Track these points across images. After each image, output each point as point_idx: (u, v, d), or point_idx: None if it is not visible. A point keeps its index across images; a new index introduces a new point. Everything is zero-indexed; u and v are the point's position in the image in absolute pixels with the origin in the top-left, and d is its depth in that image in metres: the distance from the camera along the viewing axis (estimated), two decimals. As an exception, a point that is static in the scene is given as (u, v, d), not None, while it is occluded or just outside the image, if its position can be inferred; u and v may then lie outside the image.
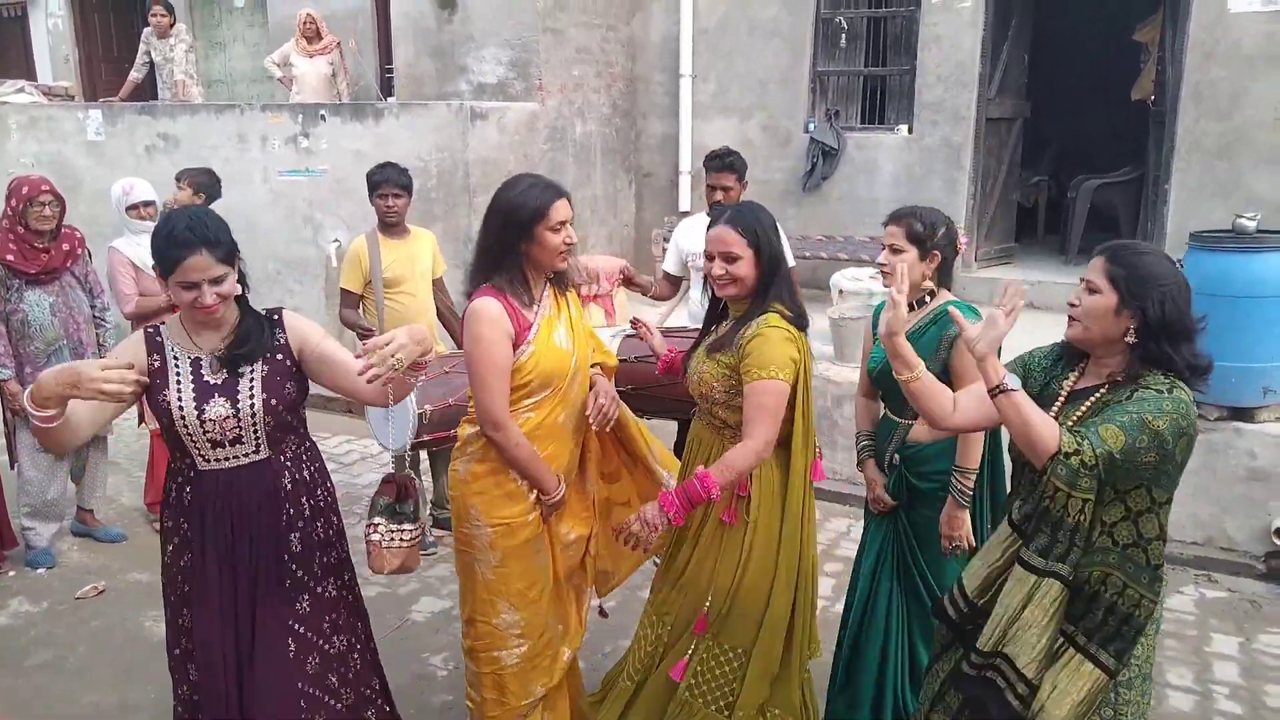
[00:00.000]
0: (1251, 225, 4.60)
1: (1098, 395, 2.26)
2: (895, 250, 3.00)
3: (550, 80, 7.29)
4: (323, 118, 7.03)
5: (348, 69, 8.49)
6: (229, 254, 2.43)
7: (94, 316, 4.82)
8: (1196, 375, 2.21)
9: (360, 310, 4.77)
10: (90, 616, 4.24)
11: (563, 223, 2.71)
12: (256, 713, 2.54)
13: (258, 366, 2.52)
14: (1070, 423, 2.26)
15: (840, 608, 4.26)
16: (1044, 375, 2.42)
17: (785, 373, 2.60)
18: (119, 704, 3.67)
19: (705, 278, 2.88)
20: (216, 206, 5.70)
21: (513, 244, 2.72)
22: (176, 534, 2.59)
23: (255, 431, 2.51)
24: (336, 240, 6.89)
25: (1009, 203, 8.35)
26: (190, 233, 2.37)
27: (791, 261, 4.67)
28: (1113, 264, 2.23)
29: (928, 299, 3.03)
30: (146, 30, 8.43)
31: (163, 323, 2.57)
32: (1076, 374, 2.34)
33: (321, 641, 2.64)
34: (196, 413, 2.45)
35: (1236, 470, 4.66)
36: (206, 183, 5.64)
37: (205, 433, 2.46)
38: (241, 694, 2.55)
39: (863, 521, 3.37)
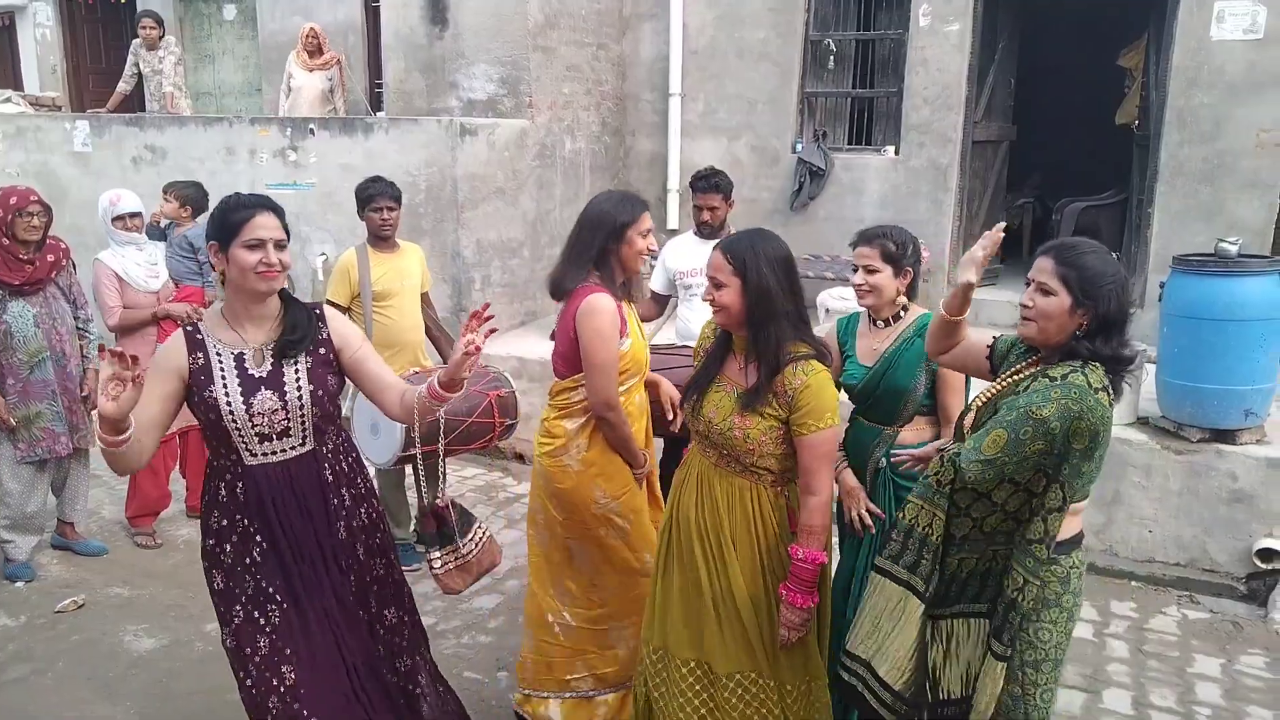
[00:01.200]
0: (1233, 249, 4.64)
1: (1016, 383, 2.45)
2: (870, 270, 3.09)
3: (540, 97, 7.31)
4: (311, 131, 7.03)
5: (346, 86, 8.51)
6: (286, 226, 2.54)
7: (77, 328, 4.79)
8: (1122, 364, 2.33)
9: None
10: (70, 631, 4.20)
11: (649, 230, 3.13)
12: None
13: (303, 358, 2.56)
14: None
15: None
16: (1007, 358, 2.59)
17: (836, 417, 2.59)
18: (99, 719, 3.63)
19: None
20: (204, 218, 5.70)
21: (606, 246, 3.09)
22: (234, 531, 2.56)
23: (303, 423, 2.56)
24: (323, 254, 6.88)
25: (995, 224, 8.41)
26: (256, 198, 2.53)
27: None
28: (1062, 265, 2.33)
29: (902, 314, 3.15)
30: (135, 42, 8.42)
31: (199, 319, 2.62)
32: (1028, 365, 2.50)
33: (367, 616, 2.73)
34: (244, 406, 2.48)
35: (1218, 492, 4.69)
36: (193, 195, 5.64)
37: (254, 426, 2.49)
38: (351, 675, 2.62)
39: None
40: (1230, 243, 4.68)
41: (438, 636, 4.19)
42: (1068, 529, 2.38)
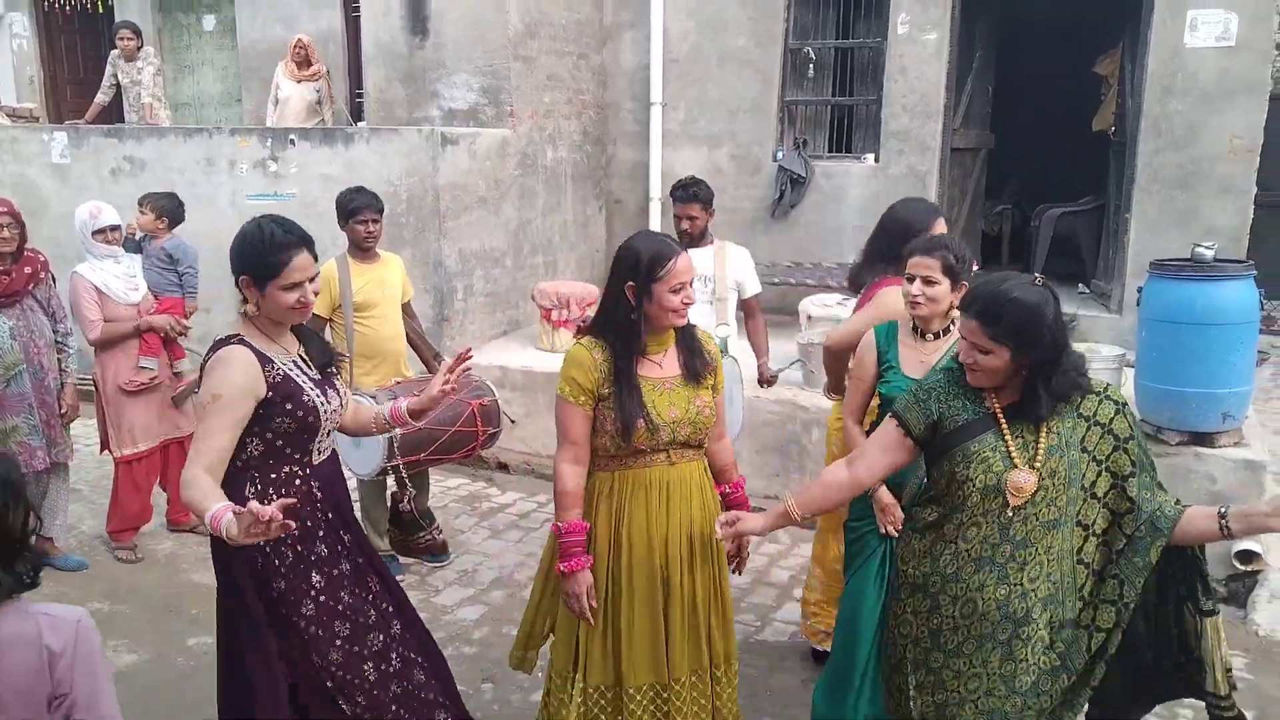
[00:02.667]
0: (1209, 254, 4.69)
1: (1047, 419, 2.38)
2: (928, 282, 2.99)
3: (521, 107, 7.32)
4: (292, 142, 7.01)
5: (334, 98, 8.48)
6: (315, 255, 2.63)
7: (56, 341, 4.75)
8: (1078, 384, 2.39)
9: (327, 335, 4.74)
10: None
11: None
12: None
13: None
14: (1036, 445, 2.36)
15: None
16: (947, 403, 2.46)
17: None
18: (77, 736, 3.59)
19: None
20: (180, 230, 5.67)
21: (899, 249, 3.30)
22: (288, 535, 2.49)
23: (338, 423, 2.77)
24: (305, 265, 6.86)
25: (974, 231, 8.49)
26: (290, 234, 2.54)
27: (759, 289, 4.74)
28: (990, 324, 2.30)
29: (951, 326, 3.06)
30: (113, 53, 8.37)
31: (183, 331, 2.83)
32: (990, 393, 2.43)
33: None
34: (326, 403, 2.64)
35: (1198, 494, 4.73)
36: (169, 207, 5.60)
37: (331, 424, 2.67)
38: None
39: (846, 551, 3.39)
40: (1206, 248, 4.72)
41: (422, 648, 4.18)
42: None
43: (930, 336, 3.08)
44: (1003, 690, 2.39)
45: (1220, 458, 4.69)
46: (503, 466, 6.29)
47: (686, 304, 2.69)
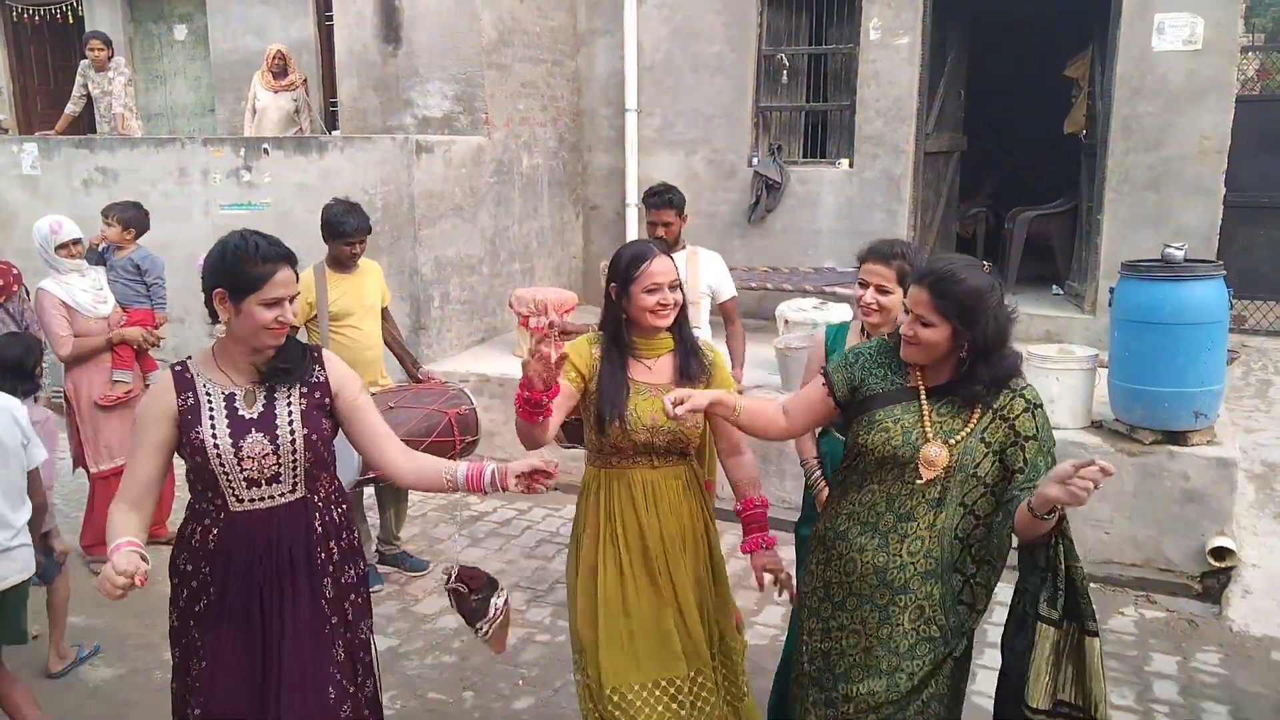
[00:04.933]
0: (1180, 255, 4.74)
1: (975, 401, 2.40)
2: (882, 290, 3.02)
3: (496, 114, 7.31)
4: (265, 151, 6.97)
5: (312, 106, 8.44)
6: (297, 273, 2.43)
7: None
8: (1010, 378, 2.41)
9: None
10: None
11: None
12: None
13: (295, 400, 2.44)
14: (956, 427, 2.41)
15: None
16: (870, 370, 2.55)
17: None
18: (52, 754, 3.55)
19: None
20: (148, 240, 5.62)
21: None
22: (195, 578, 2.44)
23: (294, 469, 2.43)
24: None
25: (948, 234, 8.54)
26: (273, 248, 2.36)
27: (734, 293, 4.76)
28: (938, 298, 2.34)
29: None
30: (83, 63, 8.30)
31: (188, 358, 2.47)
32: (916, 369, 2.48)
33: (353, 688, 2.56)
34: (233, 449, 2.34)
35: (1171, 493, 4.78)
36: (135, 217, 5.52)
37: (242, 470, 2.36)
38: None
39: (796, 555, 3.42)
40: (1176, 248, 4.78)
41: (401, 658, 4.16)
42: None
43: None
44: (879, 651, 2.46)
45: (1193, 456, 4.74)
46: (482, 474, 6.26)
47: (662, 305, 2.74)
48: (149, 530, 2.42)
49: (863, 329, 3.16)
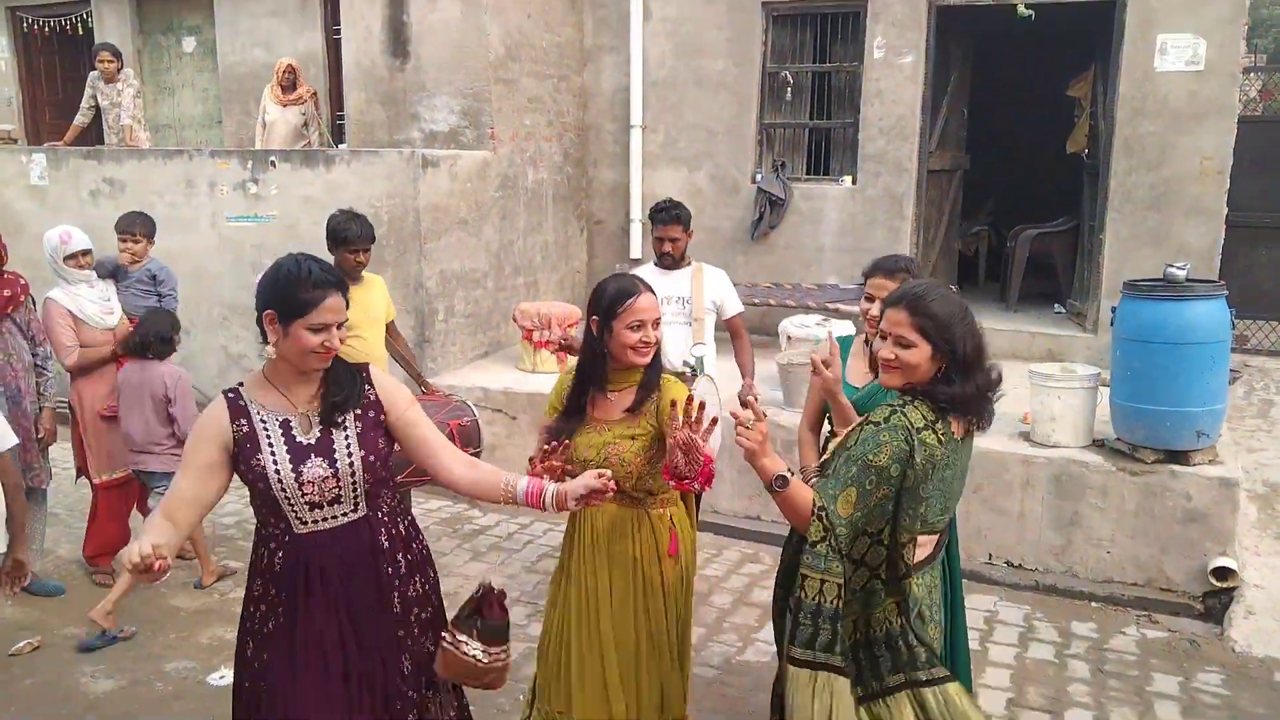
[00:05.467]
0: (1181, 274, 4.76)
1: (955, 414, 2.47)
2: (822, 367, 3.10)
3: (502, 129, 7.35)
4: (273, 164, 7.01)
5: (320, 120, 8.48)
6: (347, 299, 2.44)
7: (36, 365, 4.72)
8: (985, 396, 2.42)
9: None
10: (25, 673, 4.11)
11: None
12: None
13: (351, 422, 2.46)
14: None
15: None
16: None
17: None
18: (54, 764, 3.56)
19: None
20: (156, 250, 5.64)
21: None
22: (264, 600, 2.47)
23: (355, 490, 2.45)
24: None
25: (950, 251, 8.58)
26: (325, 274, 2.38)
27: (740, 308, 4.77)
28: (917, 316, 2.39)
29: None
30: (93, 74, 8.34)
31: (240, 384, 2.49)
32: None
33: (418, 697, 2.58)
34: (294, 475, 2.38)
35: (1173, 512, 4.78)
36: (152, 228, 5.53)
37: (304, 495, 2.39)
38: None
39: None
40: (1178, 268, 4.80)
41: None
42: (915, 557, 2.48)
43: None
44: None
45: (1195, 475, 4.75)
46: (484, 488, 6.27)
47: (645, 343, 2.74)
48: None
49: (866, 340, 3.27)
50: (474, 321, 7.21)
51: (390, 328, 4.94)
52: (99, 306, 4.88)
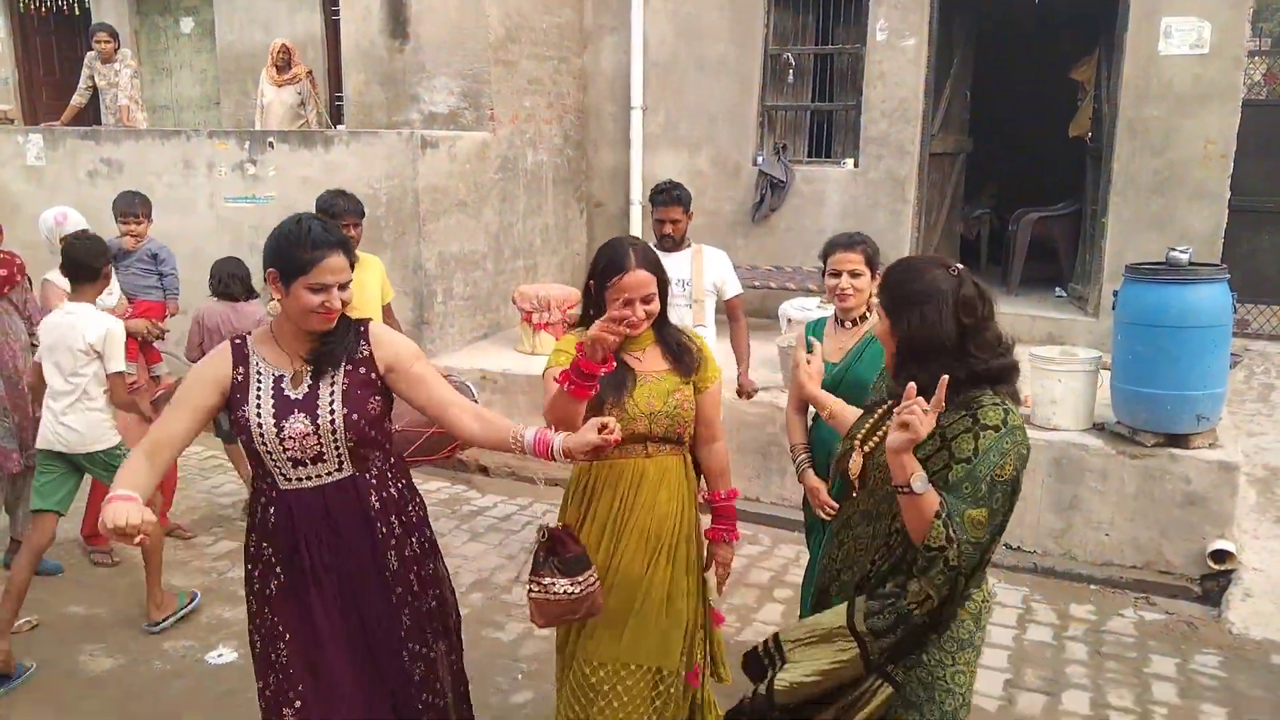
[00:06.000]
0: (1184, 258, 4.74)
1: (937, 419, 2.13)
2: (855, 274, 3.28)
3: (502, 110, 7.32)
4: (270, 145, 6.98)
5: (319, 98, 8.45)
6: (351, 260, 2.43)
7: (32, 345, 4.70)
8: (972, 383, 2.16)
9: None
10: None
11: None
12: None
13: (340, 378, 2.44)
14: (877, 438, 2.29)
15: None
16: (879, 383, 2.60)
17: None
18: (52, 742, 3.56)
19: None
20: (154, 231, 5.63)
21: None
22: (260, 559, 2.50)
23: (337, 449, 2.44)
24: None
25: (952, 235, 8.55)
26: (326, 234, 2.38)
27: (739, 290, 4.75)
28: (882, 290, 2.28)
29: (868, 313, 3.33)
30: (90, 55, 8.30)
31: (248, 334, 2.51)
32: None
33: (426, 650, 2.61)
34: (275, 429, 2.38)
35: (1173, 495, 4.78)
36: (151, 207, 5.52)
37: (285, 450, 2.39)
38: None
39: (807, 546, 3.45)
40: (1181, 251, 4.78)
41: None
42: None
43: (849, 324, 3.35)
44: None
45: (1195, 459, 4.74)
46: (483, 469, 6.28)
47: (632, 321, 2.65)
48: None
49: (837, 318, 3.39)
50: (473, 304, 7.19)
51: (386, 310, 4.93)
52: (97, 287, 4.86)
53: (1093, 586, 4.85)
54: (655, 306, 2.75)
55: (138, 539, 2.13)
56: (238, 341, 2.47)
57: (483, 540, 5.34)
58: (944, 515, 2.06)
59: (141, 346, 5.00)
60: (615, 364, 2.53)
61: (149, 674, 3.99)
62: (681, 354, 2.81)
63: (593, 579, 2.58)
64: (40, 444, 4.11)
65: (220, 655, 4.08)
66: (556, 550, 2.57)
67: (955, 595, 2.11)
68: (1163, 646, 4.29)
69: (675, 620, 2.78)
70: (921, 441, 2.06)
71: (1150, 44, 6.42)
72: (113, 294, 4.94)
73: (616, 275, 2.68)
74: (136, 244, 5.30)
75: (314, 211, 4.62)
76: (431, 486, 6.06)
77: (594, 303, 2.78)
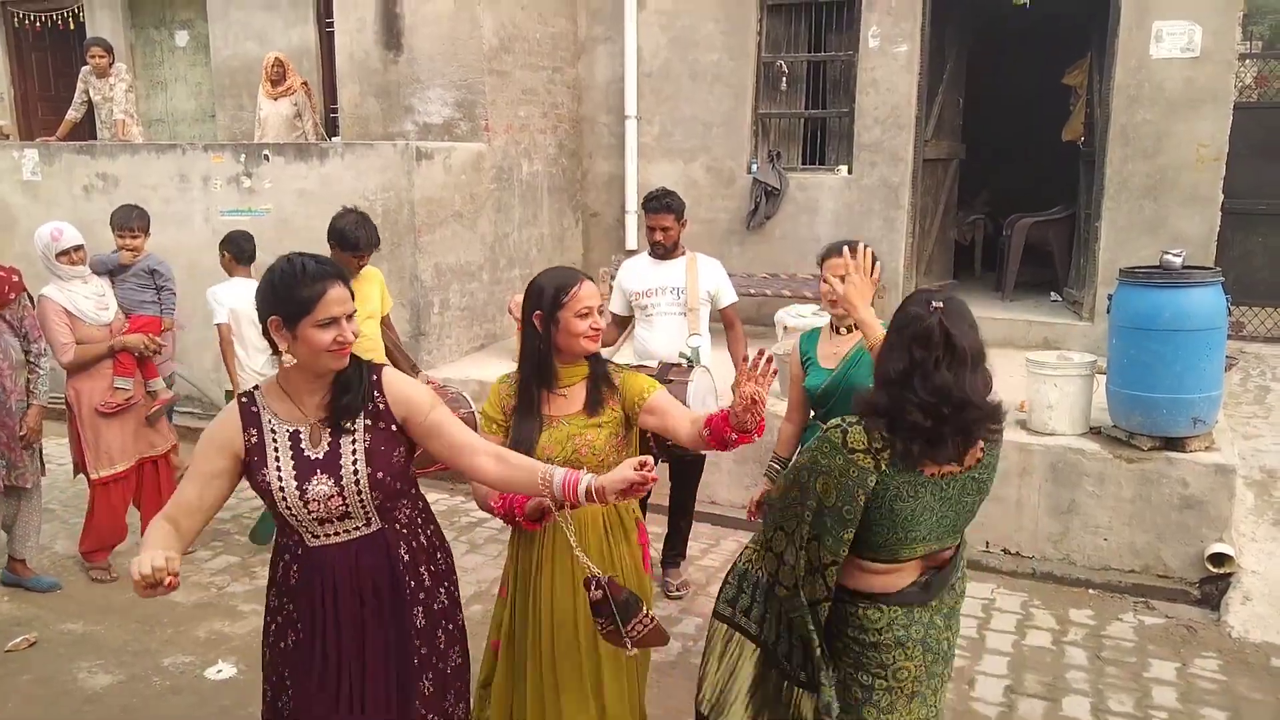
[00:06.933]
0: (1177, 261, 4.75)
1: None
2: (843, 279, 3.26)
3: (496, 121, 7.33)
4: (266, 158, 6.99)
5: (315, 108, 8.46)
6: (351, 290, 2.33)
7: (29, 361, 4.66)
8: (880, 414, 2.18)
9: None
10: (21, 669, 4.11)
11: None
12: None
13: (361, 435, 2.33)
14: None
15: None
16: None
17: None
18: (51, 759, 3.55)
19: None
20: (151, 245, 5.61)
21: None
22: (280, 613, 2.41)
23: (363, 506, 2.34)
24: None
25: (946, 241, 8.56)
26: (321, 266, 2.26)
27: (734, 298, 4.76)
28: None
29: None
30: (85, 69, 8.31)
31: (256, 388, 2.37)
32: None
33: (445, 714, 2.53)
34: (298, 492, 2.28)
35: (1170, 499, 4.79)
36: (148, 221, 5.50)
37: (310, 512, 2.29)
38: None
39: None
40: (1174, 255, 4.79)
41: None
42: (868, 583, 2.31)
43: (843, 331, 3.39)
44: None
45: (1191, 462, 4.75)
46: (481, 480, 6.26)
47: (595, 329, 2.70)
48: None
49: (833, 325, 3.44)
50: (469, 314, 7.20)
51: (385, 321, 4.94)
52: (94, 302, 4.86)
53: (1091, 591, 4.85)
54: (603, 321, 2.79)
55: (167, 581, 2.02)
56: (245, 400, 2.35)
57: (481, 552, 5.34)
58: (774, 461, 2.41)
59: (139, 362, 4.99)
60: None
61: (148, 690, 3.98)
62: (598, 387, 2.75)
63: (639, 630, 2.43)
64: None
65: (219, 671, 4.07)
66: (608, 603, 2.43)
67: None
68: (1162, 651, 4.29)
69: (583, 687, 2.70)
70: None
71: (1142, 48, 6.44)
72: (109, 309, 4.94)
73: (573, 288, 2.69)
74: (134, 258, 5.28)
75: (334, 231, 4.56)
76: (430, 498, 6.04)
77: (538, 336, 2.72)
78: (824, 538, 2.21)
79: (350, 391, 2.33)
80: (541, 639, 2.71)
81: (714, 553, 5.30)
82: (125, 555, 5.16)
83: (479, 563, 5.16)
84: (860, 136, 7.38)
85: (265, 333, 2.28)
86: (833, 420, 2.27)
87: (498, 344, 7.40)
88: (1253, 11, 9.16)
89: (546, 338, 2.71)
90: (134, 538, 5.26)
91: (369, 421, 2.35)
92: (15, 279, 4.62)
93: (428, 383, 4.92)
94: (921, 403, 2.11)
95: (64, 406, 4.95)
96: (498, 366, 6.76)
